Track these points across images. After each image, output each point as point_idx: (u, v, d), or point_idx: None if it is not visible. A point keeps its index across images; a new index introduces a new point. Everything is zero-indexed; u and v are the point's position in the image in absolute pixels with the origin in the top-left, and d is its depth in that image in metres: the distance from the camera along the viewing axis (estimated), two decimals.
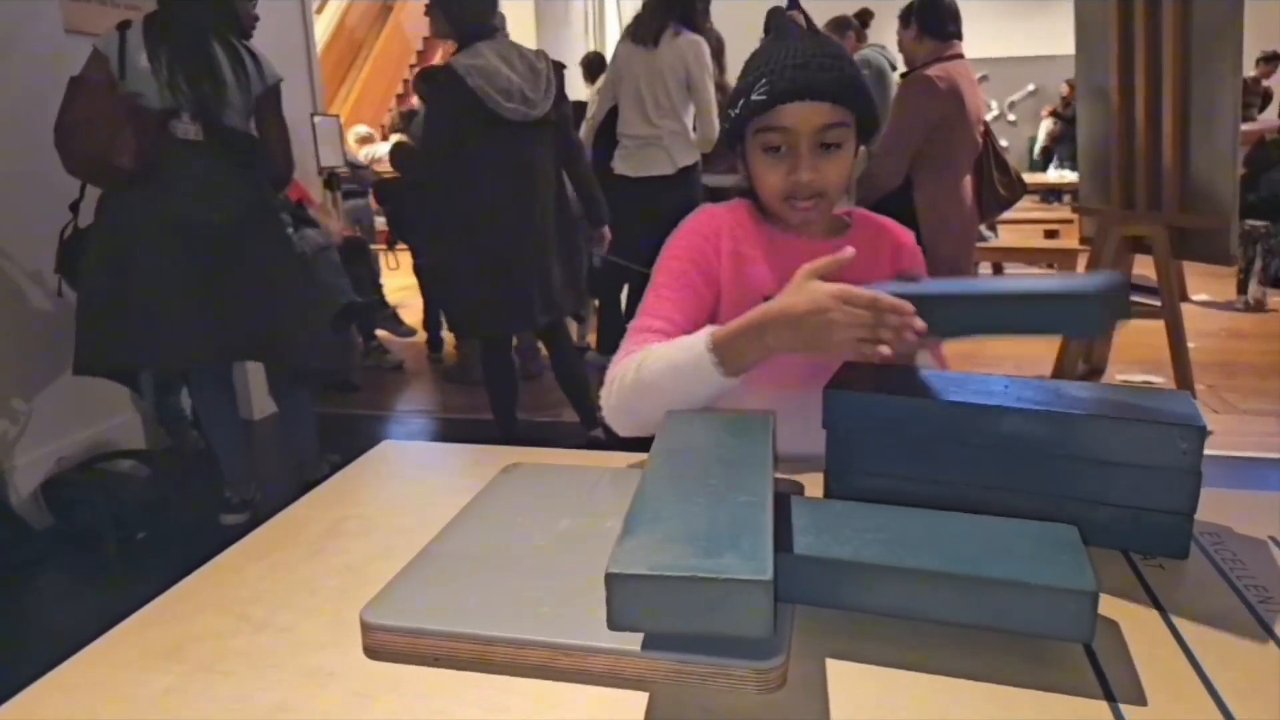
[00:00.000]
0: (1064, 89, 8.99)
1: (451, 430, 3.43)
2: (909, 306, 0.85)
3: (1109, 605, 0.73)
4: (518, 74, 2.53)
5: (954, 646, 0.68)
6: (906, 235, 1.23)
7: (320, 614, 0.76)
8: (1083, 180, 3.82)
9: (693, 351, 0.96)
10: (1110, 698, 0.63)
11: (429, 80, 2.65)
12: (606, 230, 3.04)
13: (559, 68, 2.70)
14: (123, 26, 2.22)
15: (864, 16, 5.11)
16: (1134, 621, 0.72)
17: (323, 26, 7.29)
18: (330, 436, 2.82)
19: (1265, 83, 7.68)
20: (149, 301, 2.21)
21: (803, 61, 1.04)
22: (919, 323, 0.84)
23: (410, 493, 1.02)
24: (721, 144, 1.24)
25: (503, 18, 2.81)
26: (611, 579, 0.60)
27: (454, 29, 2.59)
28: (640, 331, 1.10)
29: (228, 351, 2.41)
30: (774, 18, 1.20)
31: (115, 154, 2.11)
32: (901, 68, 3.35)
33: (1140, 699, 0.62)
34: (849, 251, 0.92)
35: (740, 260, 1.14)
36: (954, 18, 2.99)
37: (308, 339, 2.47)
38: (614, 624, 0.61)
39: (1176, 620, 0.72)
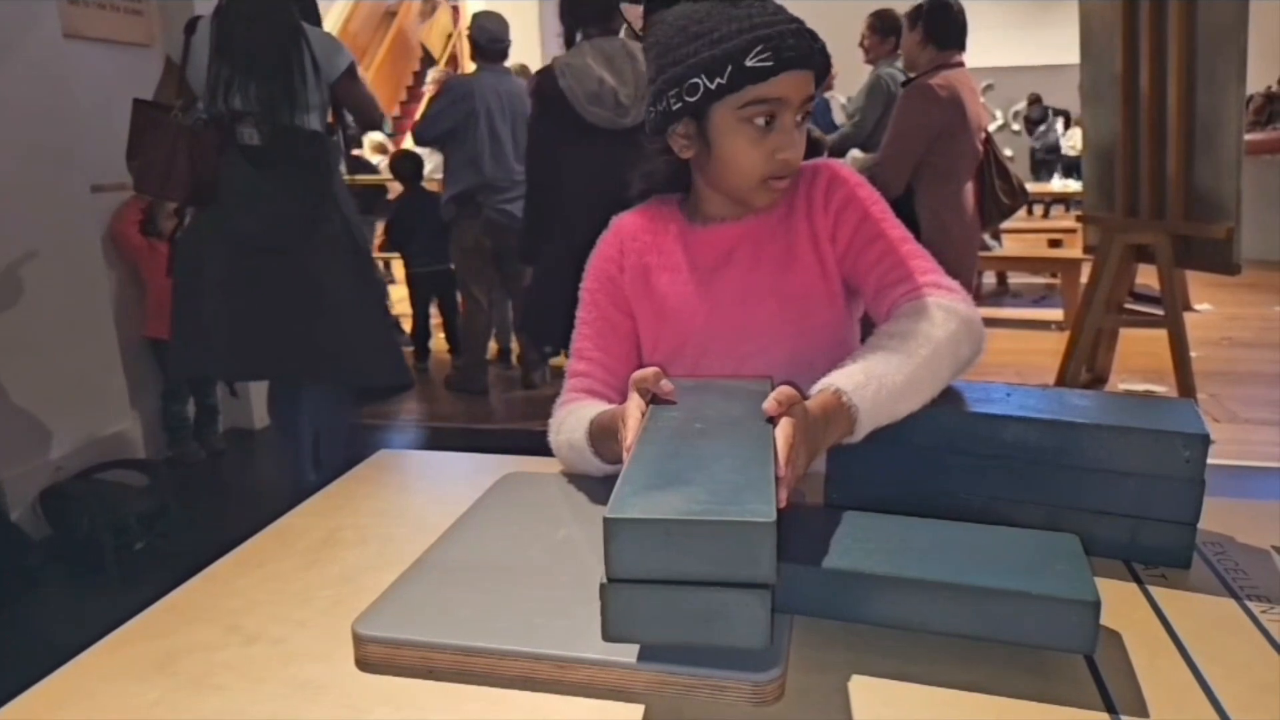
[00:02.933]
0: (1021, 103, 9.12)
1: (450, 439, 3.43)
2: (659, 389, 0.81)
3: (1111, 616, 0.72)
4: (617, 76, 2.36)
5: (955, 658, 0.67)
6: (820, 167, 1.08)
7: (313, 625, 0.75)
8: (1087, 188, 3.82)
9: (578, 433, 0.96)
10: (1111, 709, 0.62)
11: (535, 79, 2.58)
12: None
13: None
14: (190, 27, 2.17)
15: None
16: (1136, 632, 0.71)
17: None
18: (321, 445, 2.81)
19: None
20: (217, 315, 2.21)
21: (796, 26, 0.94)
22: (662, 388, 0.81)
23: (406, 502, 1.02)
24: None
25: (620, 19, 2.54)
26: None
27: (564, 23, 2.49)
28: (571, 375, 1.09)
29: (293, 369, 2.35)
30: None
31: (172, 185, 2.14)
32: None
33: (1142, 711, 0.61)
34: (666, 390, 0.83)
35: (646, 272, 1.08)
36: (961, 29, 2.99)
37: (377, 355, 2.40)
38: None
39: (1179, 631, 0.71)
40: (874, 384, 0.82)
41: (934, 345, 0.87)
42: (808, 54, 0.94)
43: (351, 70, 2.33)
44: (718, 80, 0.93)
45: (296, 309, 2.24)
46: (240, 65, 2.14)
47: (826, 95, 4.68)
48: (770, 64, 0.92)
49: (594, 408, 0.99)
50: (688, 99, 0.95)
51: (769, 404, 0.74)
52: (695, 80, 0.94)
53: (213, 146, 2.15)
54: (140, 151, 2.14)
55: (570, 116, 2.34)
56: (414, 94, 7.76)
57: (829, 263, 1.05)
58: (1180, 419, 0.81)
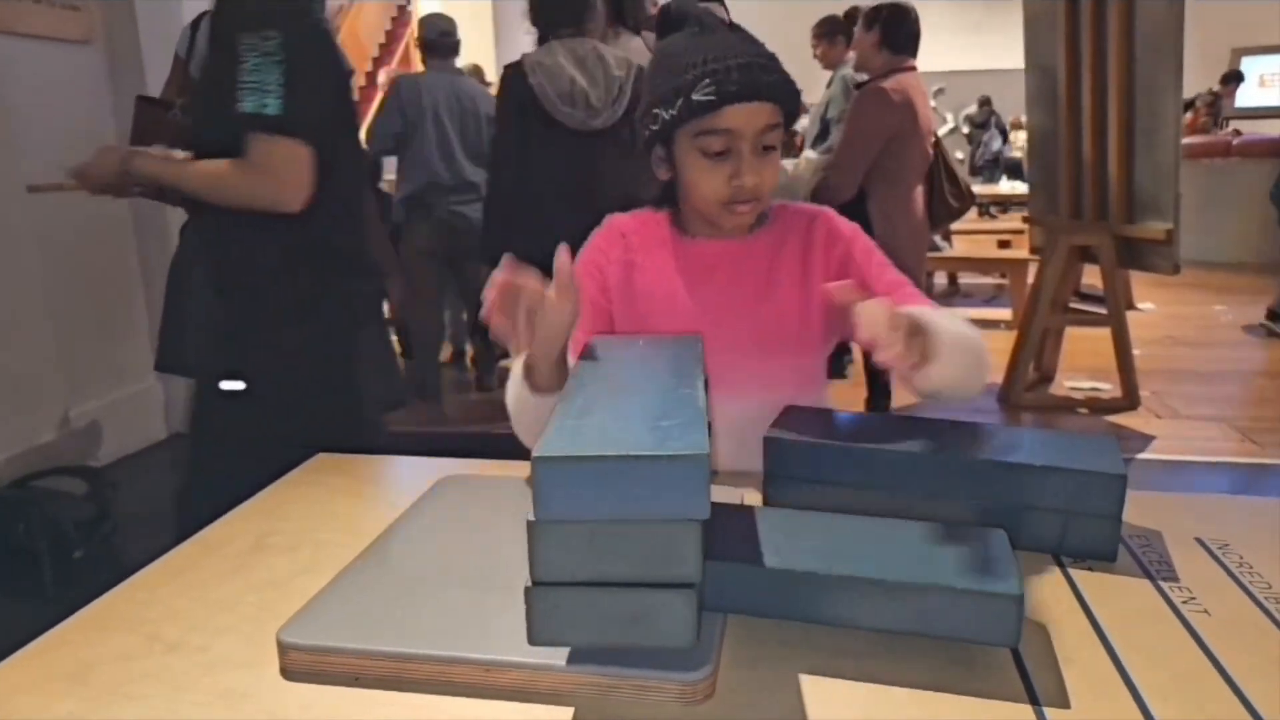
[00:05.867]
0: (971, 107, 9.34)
1: (402, 443, 3.39)
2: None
3: (1037, 609, 0.73)
4: (588, 78, 2.36)
5: (886, 653, 0.67)
6: (846, 225, 1.15)
7: (237, 633, 0.73)
8: (1032, 191, 3.89)
9: (516, 372, 0.96)
10: (1035, 701, 0.62)
11: (502, 75, 2.53)
12: None
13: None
14: (196, 21, 2.08)
15: (854, 17, 4.98)
16: (1061, 625, 0.72)
17: None
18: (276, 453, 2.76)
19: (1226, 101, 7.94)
20: (192, 315, 2.14)
21: (746, 61, 1.00)
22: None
23: (342, 507, 1.00)
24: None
25: (596, 20, 2.55)
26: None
27: (534, 22, 2.46)
28: None
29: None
30: (680, 8, 1.10)
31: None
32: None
33: (1064, 702, 0.62)
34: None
35: (629, 268, 1.14)
36: (915, 36, 3.03)
37: (371, 370, 2.32)
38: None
39: (1103, 623, 0.72)
40: (948, 335, 0.88)
41: (980, 339, 0.97)
42: (756, 87, 0.99)
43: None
44: (671, 112, 1.02)
45: (282, 315, 2.16)
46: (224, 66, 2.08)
47: None
48: (712, 98, 0.98)
49: None
50: (653, 127, 1.05)
51: (834, 288, 0.82)
52: (658, 110, 1.04)
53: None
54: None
55: (539, 115, 2.33)
56: (366, 95, 7.67)
57: (813, 304, 1.10)
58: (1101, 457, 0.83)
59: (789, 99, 1.04)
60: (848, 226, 1.15)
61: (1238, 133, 6.84)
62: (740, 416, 0.96)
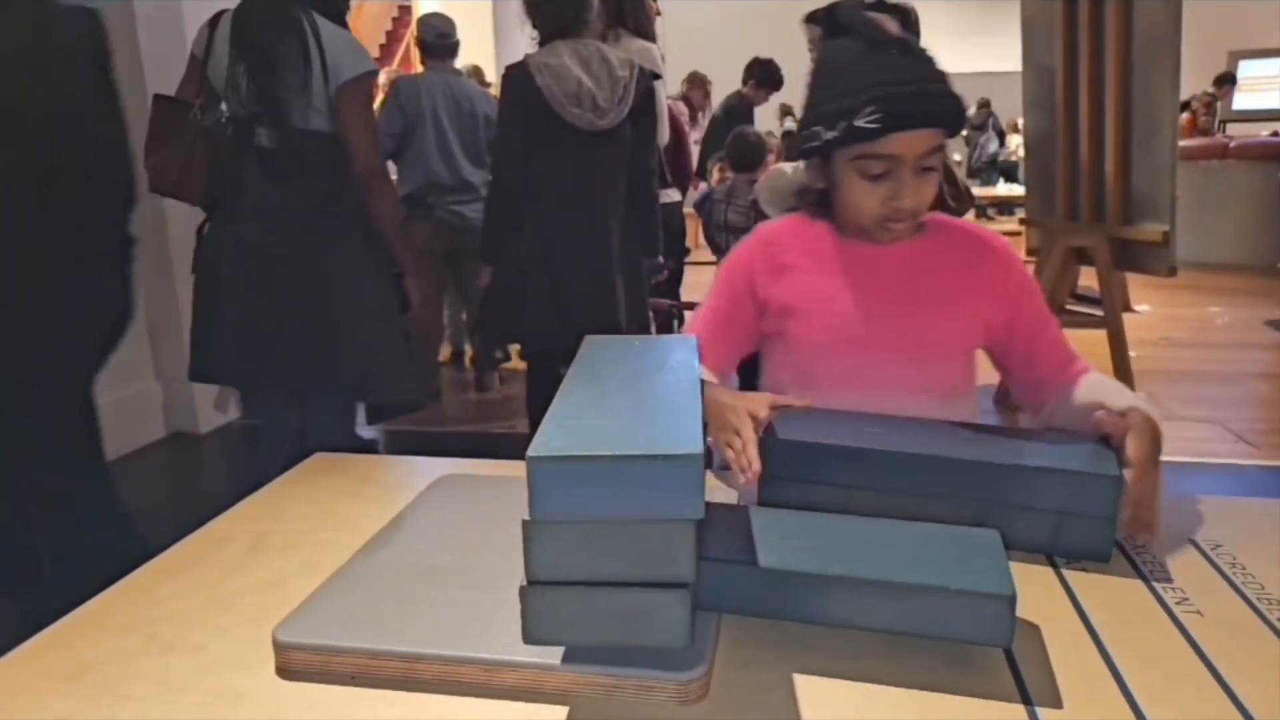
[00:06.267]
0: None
1: (402, 442, 3.39)
2: (750, 468, 0.84)
3: (1031, 609, 0.73)
4: (593, 79, 2.35)
5: (877, 653, 0.68)
6: (998, 240, 1.13)
7: (234, 633, 0.73)
8: (1029, 192, 3.89)
9: None
10: (1028, 701, 0.63)
11: (505, 75, 2.52)
12: (660, 261, 2.87)
13: (647, 77, 2.46)
14: (214, 20, 2.06)
15: None
16: (1054, 625, 0.72)
17: None
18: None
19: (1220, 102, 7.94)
20: (224, 320, 2.11)
21: (916, 89, 0.96)
22: (751, 474, 0.85)
23: (340, 506, 1.00)
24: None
25: (598, 20, 2.54)
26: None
27: (536, 24, 2.44)
28: None
29: (306, 380, 2.21)
30: (849, 15, 1.04)
31: (187, 186, 2.06)
32: None
33: (1056, 702, 0.63)
34: (805, 401, 0.95)
35: (780, 272, 1.12)
36: (915, 37, 3.02)
37: (391, 370, 2.26)
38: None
39: (1095, 623, 0.73)
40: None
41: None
42: (924, 115, 0.97)
43: (359, 81, 2.10)
44: (832, 133, 1.00)
45: (308, 318, 2.12)
46: (251, 63, 2.03)
47: None
48: (877, 126, 0.96)
49: (706, 372, 1.00)
50: (812, 143, 1.04)
51: (1102, 416, 0.86)
52: (818, 128, 1.02)
53: (230, 148, 2.05)
54: (157, 149, 2.05)
55: (546, 115, 2.31)
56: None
57: (977, 325, 1.10)
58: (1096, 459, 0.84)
59: (954, 121, 1.00)
60: (1022, 264, 1.14)
61: (1231, 138, 6.85)
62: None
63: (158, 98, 2.09)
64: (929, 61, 1.01)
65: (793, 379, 1.11)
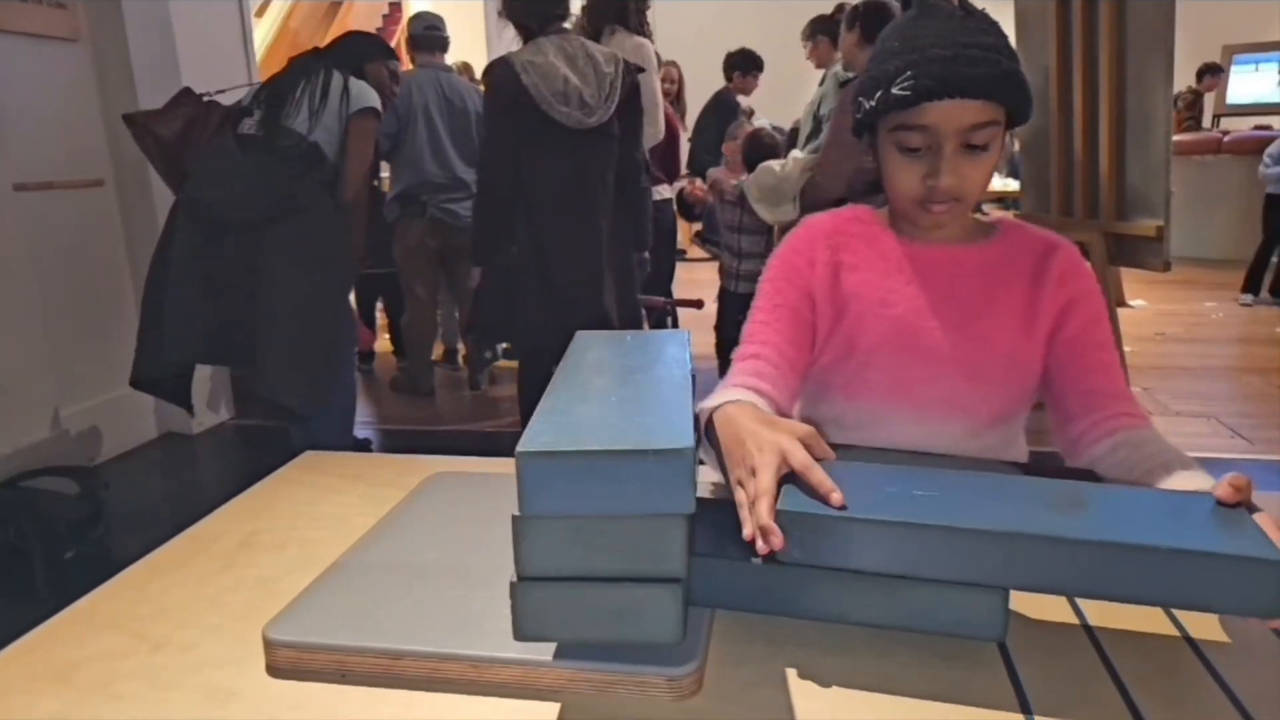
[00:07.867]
0: None
1: (395, 441, 3.38)
2: (766, 529, 0.65)
3: (1026, 605, 0.73)
4: (580, 76, 2.34)
5: (871, 648, 0.68)
6: (1065, 244, 1.03)
7: (224, 631, 0.73)
8: (1025, 188, 3.90)
9: (708, 403, 0.87)
10: (1022, 698, 0.62)
11: (487, 74, 2.50)
12: (645, 256, 2.84)
13: (632, 73, 2.45)
14: None
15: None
16: (1049, 621, 0.72)
17: (264, 30, 7.13)
18: (265, 448, 2.75)
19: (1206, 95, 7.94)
20: (174, 291, 2.17)
21: (952, 53, 0.88)
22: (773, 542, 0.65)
23: (331, 504, 1.00)
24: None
25: (574, 16, 2.58)
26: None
27: (517, 22, 2.45)
28: (740, 359, 1.00)
29: (225, 355, 2.34)
30: None
31: (179, 150, 2.23)
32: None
33: (1051, 700, 0.62)
34: (828, 455, 0.75)
35: (838, 269, 1.03)
36: None
37: (282, 369, 2.25)
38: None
39: (1091, 619, 0.72)
40: None
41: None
42: (958, 82, 0.88)
43: (371, 113, 2.32)
44: (871, 103, 0.94)
45: (240, 288, 2.19)
46: (273, 83, 2.28)
47: None
48: (908, 94, 0.90)
49: (746, 393, 0.91)
50: (856, 115, 0.98)
51: (1223, 490, 0.67)
52: (861, 99, 0.96)
53: (213, 126, 2.21)
54: (165, 121, 2.26)
55: (533, 114, 2.30)
56: None
57: (1035, 334, 1.00)
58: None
59: (1007, 94, 0.91)
60: (1089, 274, 1.03)
61: (1225, 133, 6.86)
62: (927, 439, 0.93)
63: (186, 91, 2.30)
64: (982, 31, 0.92)
65: (831, 387, 1.03)
